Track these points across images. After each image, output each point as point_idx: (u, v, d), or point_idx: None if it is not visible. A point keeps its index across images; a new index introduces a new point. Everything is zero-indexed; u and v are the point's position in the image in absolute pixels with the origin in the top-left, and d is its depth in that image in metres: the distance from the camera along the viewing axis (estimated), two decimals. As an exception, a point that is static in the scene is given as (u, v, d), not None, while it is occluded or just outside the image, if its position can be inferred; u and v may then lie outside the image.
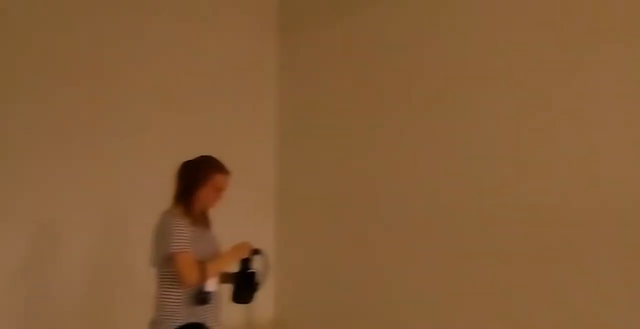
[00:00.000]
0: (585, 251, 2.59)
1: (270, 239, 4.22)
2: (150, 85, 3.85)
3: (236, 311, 2.46)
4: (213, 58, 4.13)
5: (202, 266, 2.26)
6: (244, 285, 2.40)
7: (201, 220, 2.47)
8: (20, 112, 3.45)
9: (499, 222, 2.93)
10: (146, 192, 3.67)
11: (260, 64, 4.39)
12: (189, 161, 2.47)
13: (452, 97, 3.21)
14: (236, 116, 4.21)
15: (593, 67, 2.64)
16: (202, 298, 2.24)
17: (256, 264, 2.45)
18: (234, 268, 2.46)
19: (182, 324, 2.28)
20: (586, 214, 2.60)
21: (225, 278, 2.44)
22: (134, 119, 3.78)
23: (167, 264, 2.30)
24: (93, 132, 3.65)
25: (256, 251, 2.45)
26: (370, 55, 3.75)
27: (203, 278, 2.25)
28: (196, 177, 2.40)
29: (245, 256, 2.42)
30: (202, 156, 2.48)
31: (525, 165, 2.86)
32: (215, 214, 2.60)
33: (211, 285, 2.32)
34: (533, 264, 2.78)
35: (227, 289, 2.47)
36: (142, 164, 3.77)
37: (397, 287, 3.44)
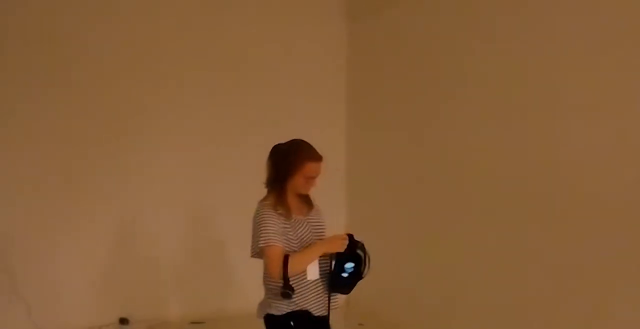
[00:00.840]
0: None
1: (342, 222, 4.22)
2: (228, 77, 3.99)
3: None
4: (285, 46, 4.20)
5: (285, 260, 2.15)
6: (341, 278, 2.24)
7: (301, 204, 2.38)
8: (102, 114, 3.62)
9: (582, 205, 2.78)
10: (229, 183, 3.86)
11: (329, 50, 4.41)
12: (279, 146, 2.33)
13: (522, 78, 3.07)
14: (309, 102, 4.27)
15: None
16: (285, 292, 2.15)
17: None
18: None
19: (286, 312, 2.24)
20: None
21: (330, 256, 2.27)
22: (213, 110, 3.93)
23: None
24: (176, 128, 3.81)
25: (356, 245, 2.27)
26: (436, 37, 3.65)
27: (286, 272, 2.14)
28: (286, 165, 2.27)
29: (340, 250, 2.24)
30: (293, 141, 2.34)
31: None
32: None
33: (312, 273, 2.25)
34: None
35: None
36: (219, 152, 3.91)
37: (473, 269, 3.35)
